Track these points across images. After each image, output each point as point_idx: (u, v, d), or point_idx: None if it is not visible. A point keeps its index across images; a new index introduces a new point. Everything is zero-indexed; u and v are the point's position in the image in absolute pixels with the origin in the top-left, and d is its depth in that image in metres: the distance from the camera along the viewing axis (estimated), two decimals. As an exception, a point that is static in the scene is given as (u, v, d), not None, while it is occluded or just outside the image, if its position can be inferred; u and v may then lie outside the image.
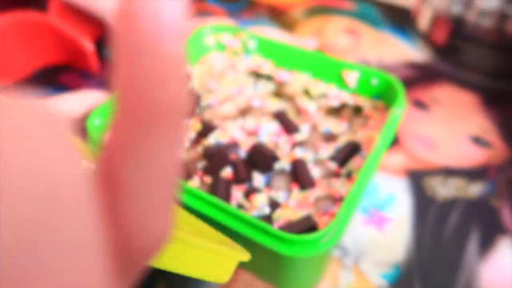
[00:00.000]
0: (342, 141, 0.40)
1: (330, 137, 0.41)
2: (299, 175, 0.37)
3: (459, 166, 0.49)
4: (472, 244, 0.42)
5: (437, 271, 0.39)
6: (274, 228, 0.33)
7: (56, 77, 0.58)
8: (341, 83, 0.45)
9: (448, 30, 0.59)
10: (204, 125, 0.42)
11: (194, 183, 0.37)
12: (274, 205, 0.34)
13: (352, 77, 0.43)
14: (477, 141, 0.51)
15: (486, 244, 0.42)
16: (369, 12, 0.73)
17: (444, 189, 0.46)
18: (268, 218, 0.34)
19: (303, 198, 0.36)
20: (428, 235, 0.42)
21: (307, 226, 0.33)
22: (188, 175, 0.37)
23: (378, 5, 0.74)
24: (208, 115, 0.44)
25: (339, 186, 0.36)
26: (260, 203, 0.34)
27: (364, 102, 0.44)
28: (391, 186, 0.46)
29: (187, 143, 0.41)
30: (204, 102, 0.45)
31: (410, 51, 0.65)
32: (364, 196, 0.45)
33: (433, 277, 0.39)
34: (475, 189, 0.46)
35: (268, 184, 0.37)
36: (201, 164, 0.39)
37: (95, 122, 0.39)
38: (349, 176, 0.37)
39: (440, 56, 0.61)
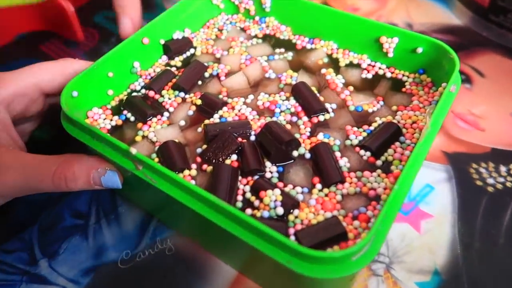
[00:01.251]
0: (378, 123, 0.32)
1: (362, 118, 0.33)
2: (322, 166, 0.29)
3: (511, 149, 0.40)
4: None
5: (489, 279, 0.32)
6: (290, 236, 0.25)
7: (37, 45, 0.51)
8: (376, 52, 0.36)
9: None
10: (206, 101, 0.34)
11: (191, 172, 0.29)
12: (290, 204, 0.27)
13: (392, 44, 0.35)
14: None
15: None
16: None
17: (495, 177, 0.38)
18: (282, 222, 0.26)
19: (328, 196, 0.28)
20: (477, 235, 0.34)
21: (332, 233, 0.25)
22: (184, 163, 0.30)
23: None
24: (212, 88, 0.36)
25: (374, 181, 0.28)
26: (272, 201, 0.27)
27: (405, 76, 0.35)
28: (428, 175, 0.38)
29: (183, 122, 0.33)
30: (208, 72, 0.37)
31: (445, 14, 0.55)
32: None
33: (484, 287, 0.31)
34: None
35: (284, 177, 0.29)
36: (200, 149, 0.31)
37: (72, 95, 0.31)
38: (387, 168, 0.29)
39: (482, 18, 0.52)
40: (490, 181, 0.37)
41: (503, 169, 0.38)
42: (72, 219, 0.35)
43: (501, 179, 0.38)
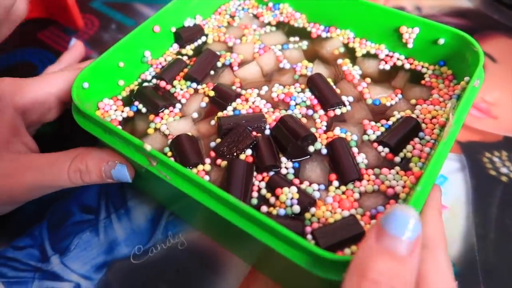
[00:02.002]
0: (396, 117, 0.31)
1: (380, 112, 0.32)
2: (339, 163, 0.28)
3: None
4: None
5: (504, 269, 0.31)
6: (306, 235, 0.25)
7: (35, 33, 0.49)
8: (394, 42, 0.35)
9: None
10: (219, 92, 0.33)
11: (205, 167, 0.29)
12: (307, 202, 0.26)
13: (412, 34, 0.33)
14: None
15: None
16: None
17: (508, 167, 0.37)
18: (298, 220, 0.26)
19: (345, 194, 0.27)
20: (492, 225, 0.34)
21: (350, 233, 0.25)
22: (198, 157, 0.29)
23: None
24: (224, 79, 0.35)
25: (393, 179, 0.28)
26: (288, 199, 0.26)
27: (424, 68, 0.34)
28: None
29: (196, 114, 0.32)
30: (221, 62, 0.36)
31: None
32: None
33: (500, 277, 0.31)
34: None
35: (300, 173, 0.29)
36: (214, 142, 0.30)
37: (83, 86, 0.31)
38: (405, 166, 0.28)
39: (494, 1, 0.50)
40: (504, 170, 0.37)
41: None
42: (81, 214, 0.35)
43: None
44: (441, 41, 0.32)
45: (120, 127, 0.32)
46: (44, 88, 0.31)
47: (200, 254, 0.33)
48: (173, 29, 0.37)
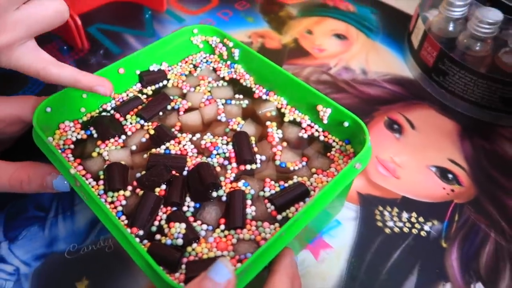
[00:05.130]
0: (293, 181, 0.37)
1: (283, 174, 0.38)
2: (231, 211, 0.34)
3: (418, 199, 0.45)
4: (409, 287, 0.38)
5: None
6: (182, 264, 0.31)
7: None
8: (315, 115, 0.41)
9: (437, 50, 0.53)
10: (158, 132, 0.40)
11: (125, 193, 0.35)
12: (191, 237, 0.32)
13: (326, 113, 0.39)
14: (443, 174, 0.47)
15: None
16: (366, 17, 0.68)
17: (395, 222, 0.43)
18: (180, 251, 0.32)
19: (226, 237, 0.33)
20: (364, 268, 0.39)
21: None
22: (122, 183, 0.35)
23: (380, 9, 0.69)
24: (169, 121, 0.42)
25: (269, 233, 0.33)
26: (177, 232, 0.32)
27: (335, 142, 0.40)
28: (340, 212, 0.43)
29: (135, 147, 0.39)
30: (171, 105, 0.43)
31: (400, 66, 0.60)
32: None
33: None
34: (428, 226, 0.43)
35: (198, 212, 0.35)
36: (139, 174, 0.37)
37: (46, 110, 0.38)
38: (283, 223, 0.34)
39: (427, 76, 0.56)
40: (390, 224, 0.43)
41: (405, 215, 0.44)
42: (34, 210, 0.42)
43: (400, 224, 0.43)
44: (346, 124, 0.38)
45: (72, 146, 0.39)
46: (5, 109, 0.37)
47: (122, 258, 0.39)
48: (138, 72, 0.44)
